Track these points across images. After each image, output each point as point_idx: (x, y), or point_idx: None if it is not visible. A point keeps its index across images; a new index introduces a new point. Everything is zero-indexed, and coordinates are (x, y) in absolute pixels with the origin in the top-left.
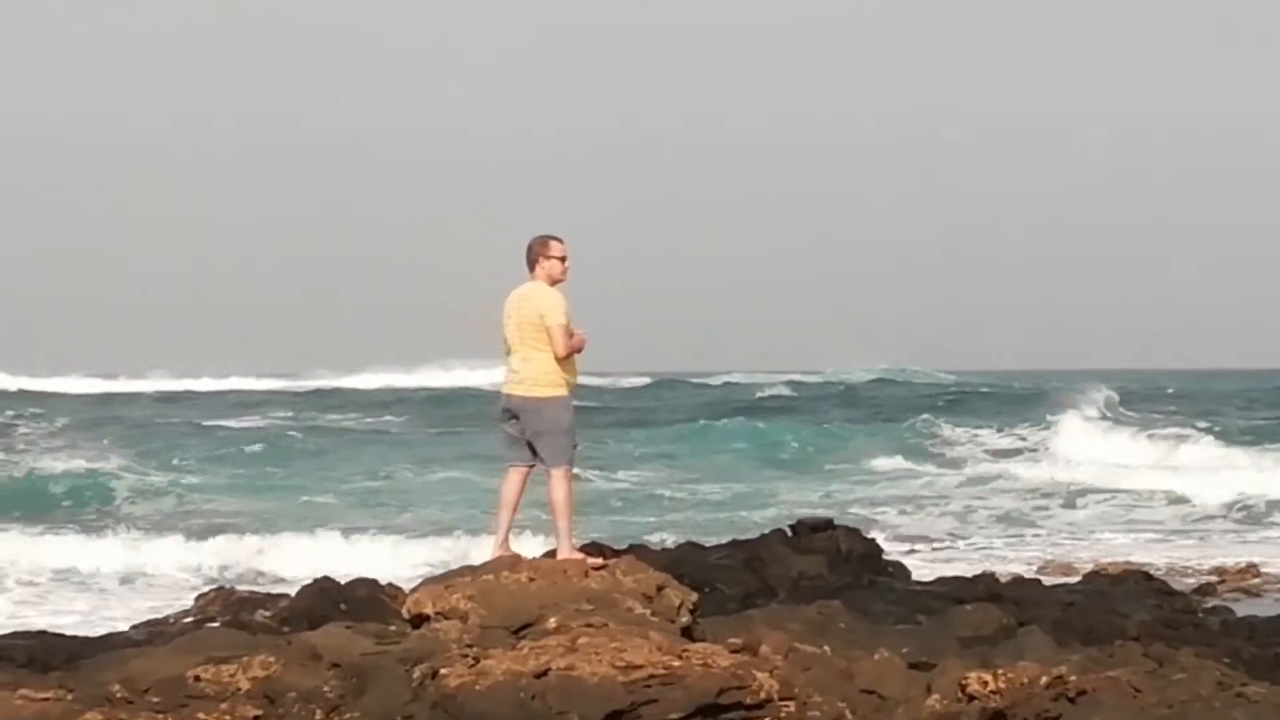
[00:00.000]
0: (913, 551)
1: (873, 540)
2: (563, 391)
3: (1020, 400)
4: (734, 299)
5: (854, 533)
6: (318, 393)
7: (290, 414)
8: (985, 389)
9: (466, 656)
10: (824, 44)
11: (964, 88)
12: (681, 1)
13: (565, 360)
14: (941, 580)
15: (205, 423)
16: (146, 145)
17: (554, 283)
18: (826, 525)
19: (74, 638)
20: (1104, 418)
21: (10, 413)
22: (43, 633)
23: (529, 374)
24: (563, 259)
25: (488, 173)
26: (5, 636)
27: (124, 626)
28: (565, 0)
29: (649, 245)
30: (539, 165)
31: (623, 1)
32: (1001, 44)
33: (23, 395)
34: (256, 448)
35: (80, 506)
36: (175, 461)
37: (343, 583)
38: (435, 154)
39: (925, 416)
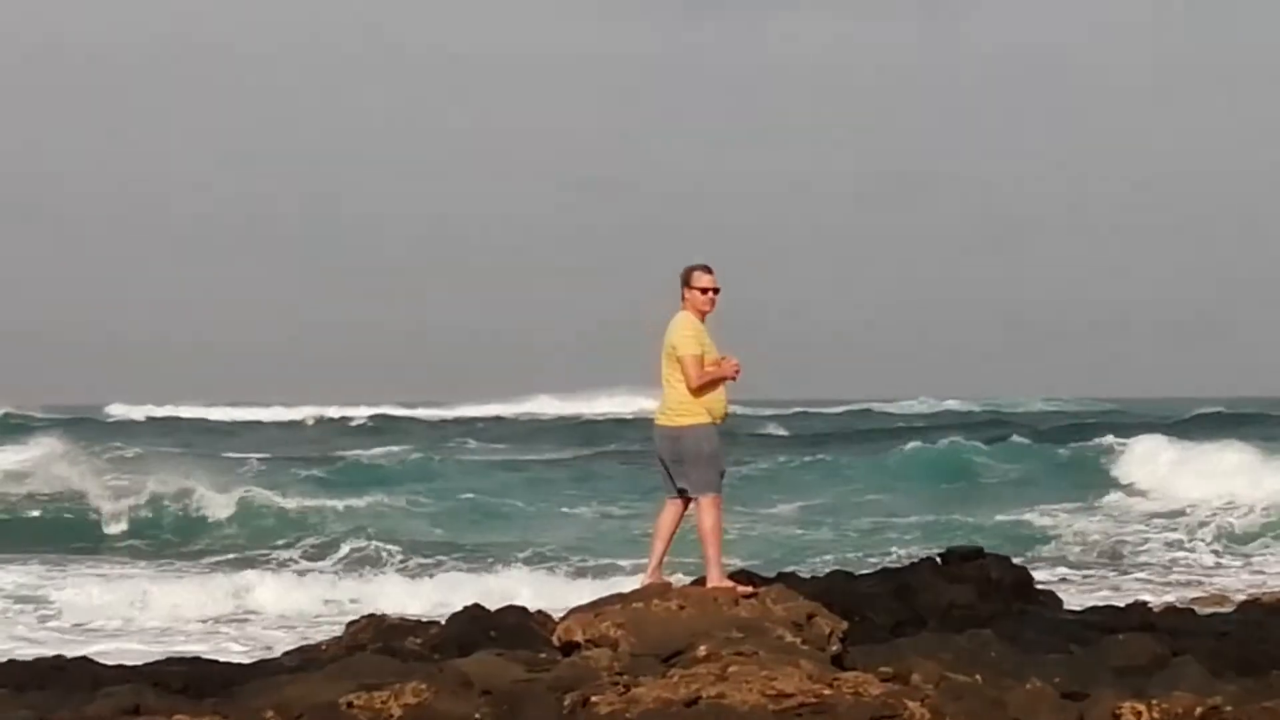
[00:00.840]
0: (1064, 580)
1: (1023, 569)
2: (703, 420)
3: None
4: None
5: (1004, 561)
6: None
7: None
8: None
9: (617, 684)
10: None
11: None
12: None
13: (705, 390)
14: (1094, 610)
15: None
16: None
17: (700, 314)
18: (977, 554)
19: (229, 664)
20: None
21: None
22: (197, 659)
23: (669, 403)
24: (705, 290)
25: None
26: (161, 663)
27: None
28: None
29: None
30: (687, 200)
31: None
32: None
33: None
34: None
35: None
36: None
37: (493, 610)
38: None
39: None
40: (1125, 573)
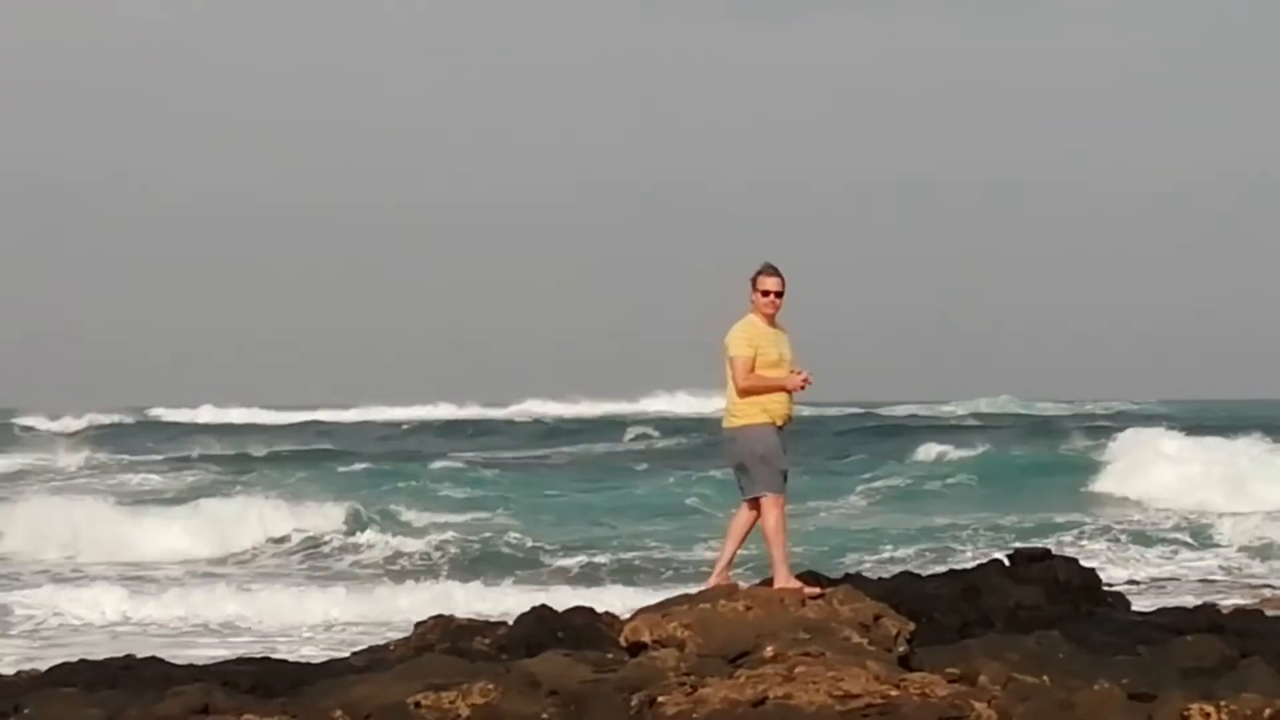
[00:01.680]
0: (1132, 582)
1: (1091, 570)
2: (758, 420)
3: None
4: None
5: (1072, 562)
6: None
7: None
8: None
9: (684, 684)
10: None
11: None
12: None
13: (759, 391)
14: (1162, 611)
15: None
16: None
17: (765, 316)
18: (1044, 555)
19: (297, 664)
20: None
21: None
22: (266, 659)
23: (727, 405)
24: (766, 293)
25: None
26: (230, 663)
27: None
28: None
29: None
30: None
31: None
32: None
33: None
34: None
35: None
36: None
37: (560, 610)
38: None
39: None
40: (1196, 574)
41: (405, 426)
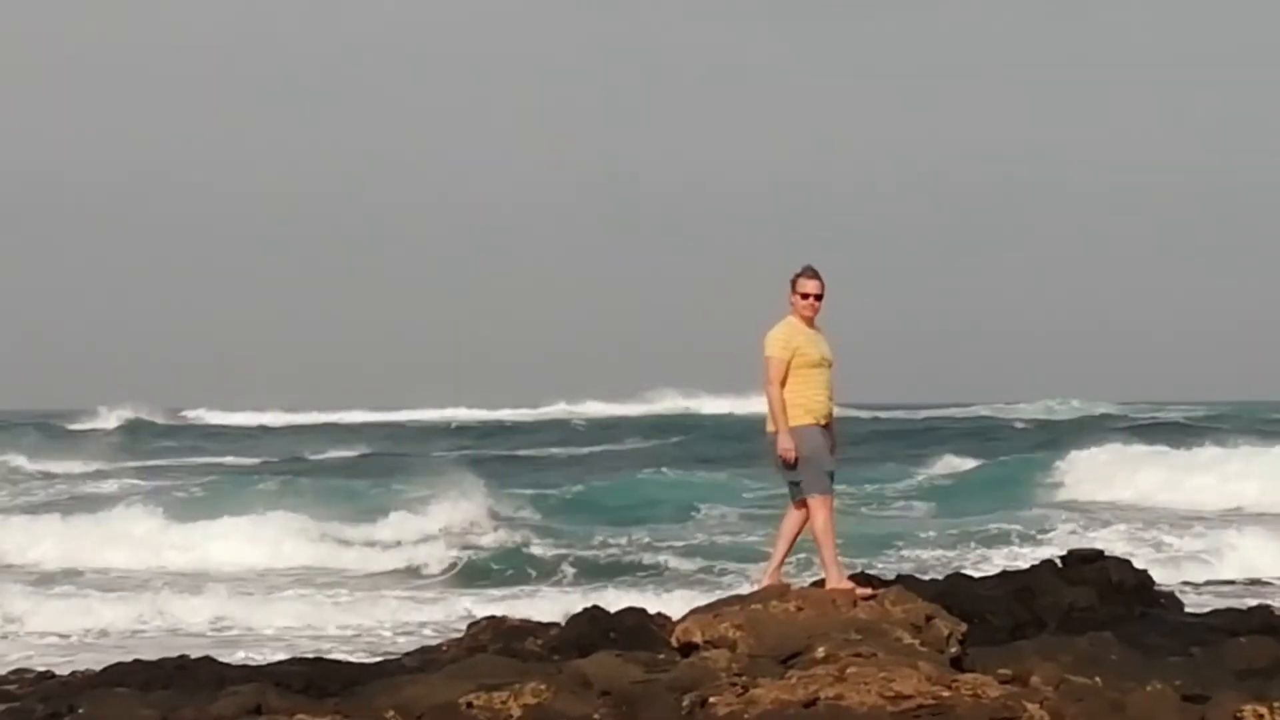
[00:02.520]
0: (1186, 583)
1: (1144, 571)
2: (801, 420)
3: None
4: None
5: (1125, 564)
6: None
7: None
8: None
9: (735, 685)
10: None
11: None
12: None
13: (806, 390)
14: (1216, 613)
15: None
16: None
17: (804, 319)
18: (1097, 556)
19: (350, 664)
20: None
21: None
22: (319, 659)
23: (768, 407)
24: (806, 295)
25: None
26: (284, 663)
27: None
28: None
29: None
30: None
31: None
32: None
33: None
34: None
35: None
36: None
37: (612, 611)
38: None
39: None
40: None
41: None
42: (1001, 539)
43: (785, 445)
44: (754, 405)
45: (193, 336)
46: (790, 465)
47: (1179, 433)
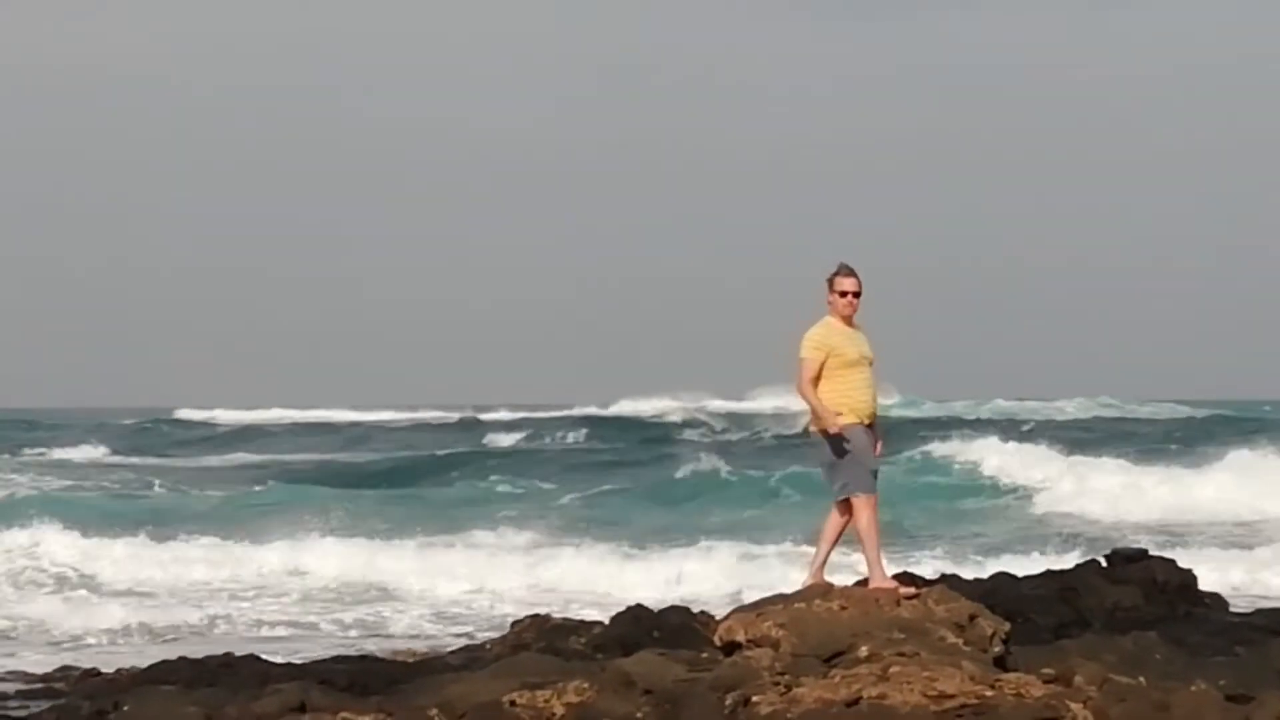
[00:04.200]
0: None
1: (1189, 571)
2: (845, 420)
3: None
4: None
5: (1170, 563)
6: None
7: None
8: None
9: (778, 684)
10: None
11: None
12: None
13: (848, 389)
14: (1260, 612)
15: None
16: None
17: (842, 318)
18: (1141, 556)
19: (394, 662)
20: None
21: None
22: (364, 657)
23: (808, 408)
24: (843, 294)
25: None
26: (327, 661)
27: None
28: None
29: None
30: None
31: None
32: None
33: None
34: None
35: None
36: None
37: (656, 610)
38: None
39: None
40: None
41: None
42: None
43: (829, 420)
44: None
45: None
46: (838, 454)
47: None
